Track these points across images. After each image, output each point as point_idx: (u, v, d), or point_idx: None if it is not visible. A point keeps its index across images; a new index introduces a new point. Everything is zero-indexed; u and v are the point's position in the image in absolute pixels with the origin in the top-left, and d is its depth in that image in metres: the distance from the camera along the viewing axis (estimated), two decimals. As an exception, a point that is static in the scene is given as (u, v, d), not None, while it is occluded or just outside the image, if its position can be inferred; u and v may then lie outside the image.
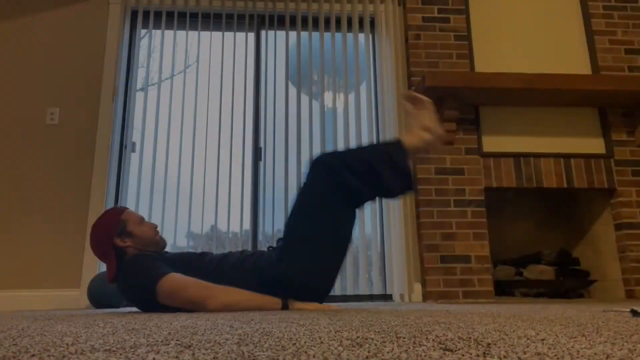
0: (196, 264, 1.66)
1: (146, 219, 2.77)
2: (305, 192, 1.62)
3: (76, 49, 2.99)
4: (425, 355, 0.46)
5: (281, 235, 1.70)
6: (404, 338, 0.60)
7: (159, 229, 1.74)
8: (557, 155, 2.87)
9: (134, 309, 2.01)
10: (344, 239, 1.63)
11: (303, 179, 1.65)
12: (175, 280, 1.49)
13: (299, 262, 1.58)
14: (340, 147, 2.97)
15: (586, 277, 2.94)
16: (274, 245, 1.78)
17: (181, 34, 3.14)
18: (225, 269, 1.64)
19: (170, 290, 1.48)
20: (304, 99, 3.06)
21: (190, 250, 1.80)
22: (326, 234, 1.59)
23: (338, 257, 1.63)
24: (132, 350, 0.52)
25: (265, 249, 1.76)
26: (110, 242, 1.61)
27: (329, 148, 2.97)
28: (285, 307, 1.55)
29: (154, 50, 3.09)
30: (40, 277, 2.65)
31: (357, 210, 1.64)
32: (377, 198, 1.63)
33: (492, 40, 3.07)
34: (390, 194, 1.60)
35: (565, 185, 2.83)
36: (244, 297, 1.51)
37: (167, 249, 1.95)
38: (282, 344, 0.56)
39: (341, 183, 1.56)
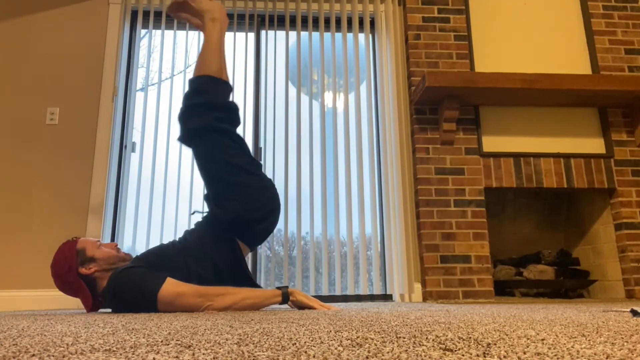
0: (167, 257, 1.66)
1: (146, 219, 2.77)
2: (200, 157, 1.78)
3: (76, 49, 2.99)
4: (425, 355, 0.46)
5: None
6: (404, 338, 0.60)
7: (119, 245, 1.73)
8: (557, 155, 2.87)
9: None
10: (245, 148, 1.80)
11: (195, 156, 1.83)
12: (171, 290, 1.48)
13: (231, 196, 1.70)
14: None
15: (586, 277, 2.94)
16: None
17: (181, 34, 3.14)
18: (190, 249, 1.69)
19: (169, 301, 1.48)
20: (304, 99, 3.06)
21: (157, 245, 1.80)
22: (226, 162, 1.74)
23: (255, 165, 1.79)
24: (132, 350, 0.52)
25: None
26: (75, 274, 1.58)
27: (329, 148, 2.98)
28: (285, 298, 1.54)
29: (154, 50, 3.09)
30: (40, 277, 2.65)
31: (236, 133, 1.83)
32: (231, 109, 1.85)
33: (492, 40, 3.07)
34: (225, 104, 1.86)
35: (565, 185, 2.83)
36: (241, 296, 1.51)
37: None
38: (282, 344, 0.56)
39: (207, 126, 1.76)
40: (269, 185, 1.78)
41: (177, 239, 1.78)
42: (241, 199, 1.69)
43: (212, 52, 1.87)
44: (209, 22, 1.94)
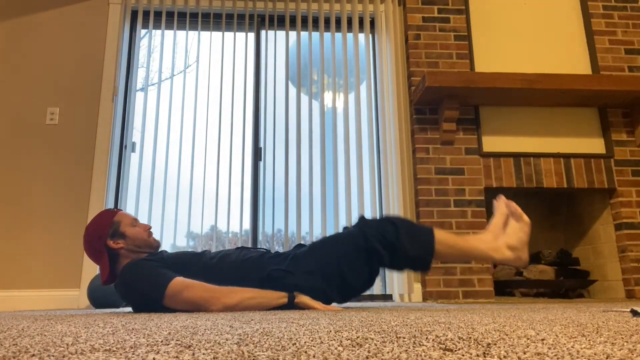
0: (195, 263, 1.65)
1: (146, 219, 2.77)
2: (341, 237, 1.69)
3: (76, 49, 2.99)
4: (425, 355, 0.46)
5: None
6: (404, 338, 0.60)
7: (152, 230, 1.73)
8: (557, 155, 2.87)
9: (134, 309, 2.00)
10: (354, 288, 1.68)
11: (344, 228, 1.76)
12: (178, 284, 1.49)
13: (308, 283, 1.62)
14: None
15: (586, 277, 2.94)
16: (275, 247, 1.80)
17: (181, 34, 3.14)
18: (225, 268, 1.64)
19: (174, 295, 1.48)
20: (304, 99, 3.06)
21: (190, 250, 1.81)
22: (340, 278, 1.64)
23: (345, 293, 1.69)
24: (132, 350, 0.52)
25: (264, 250, 1.77)
26: (103, 244, 1.60)
27: (329, 148, 2.98)
28: (291, 301, 1.54)
29: (154, 50, 3.09)
30: (40, 277, 2.65)
31: (374, 276, 1.70)
32: (392, 267, 1.69)
33: (492, 40, 3.07)
34: (402, 268, 1.69)
35: (565, 185, 2.83)
36: (248, 295, 1.50)
37: (167, 248, 1.94)
38: (282, 344, 0.56)
39: (370, 248, 1.63)
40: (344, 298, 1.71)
41: (212, 252, 1.74)
42: (316, 292, 1.61)
43: (462, 251, 1.68)
44: (498, 251, 1.68)
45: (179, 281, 1.50)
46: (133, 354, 0.49)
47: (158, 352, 0.49)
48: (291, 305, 1.56)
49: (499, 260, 1.70)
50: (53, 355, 0.48)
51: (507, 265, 1.75)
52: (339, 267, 1.64)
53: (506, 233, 1.73)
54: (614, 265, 2.82)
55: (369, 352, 0.48)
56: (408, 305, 2.02)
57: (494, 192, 3.11)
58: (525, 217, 1.74)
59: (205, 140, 2.95)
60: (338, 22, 3.20)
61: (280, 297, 1.53)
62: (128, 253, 1.63)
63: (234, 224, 2.85)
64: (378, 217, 1.72)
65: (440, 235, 1.67)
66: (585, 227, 3.07)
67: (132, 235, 1.64)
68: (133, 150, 2.95)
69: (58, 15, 3.04)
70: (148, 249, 1.67)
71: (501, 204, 1.80)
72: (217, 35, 3.14)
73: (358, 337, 0.62)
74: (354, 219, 2.87)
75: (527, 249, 1.71)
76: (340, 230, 1.78)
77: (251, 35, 3.16)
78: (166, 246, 2.75)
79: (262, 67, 3.11)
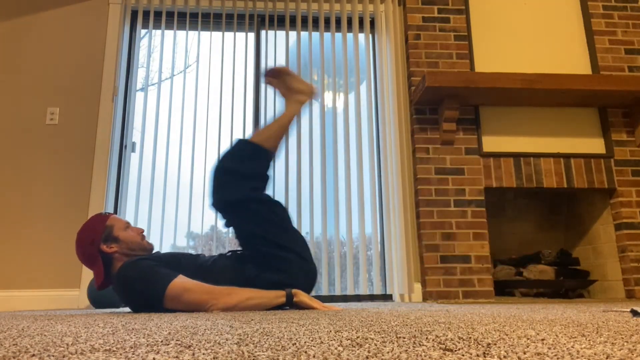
0: (190, 264, 1.66)
1: (146, 219, 2.77)
2: (242, 221, 1.76)
3: (76, 48, 2.99)
4: (425, 355, 0.46)
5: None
6: (404, 338, 0.60)
7: (145, 233, 1.73)
8: (557, 155, 2.87)
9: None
10: (283, 222, 1.78)
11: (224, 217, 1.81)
12: (179, 285, 1.49)
13: (268, 267, 1.68)
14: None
15: (586, 277, 2.94)
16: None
17: (181, 34, 3.14)
18: (216, 271, 1.66)
19: (175, 295, 1.48)
20: (304, 99, 3.06)
21: (188, 252, 1.82)
22: (267, 229, 1.73)
23: (293, 240, 1.75)
24: (132, 350, 0.52)
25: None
26: (96, 248, 1.60)
27: (329, 148, 2.98)
28: (289, 299, 1.54)
29: (154, 50, 3.09)
30: (40, 277, 2.65)
31: (271, 198, 1.83)
32: (266, 179, 1.88)
33: (492, 40, 3.07)
34: (266, 170, 1.87)
35: (565, 185, 2.83)
36: (247, 295, 1.51)
37: (167, 248, 1.94)
38: (282, 344, 0.56)
39: (244, 199, 1.74)
40: (306, 260, 1.73)
41: (207, 256, 1.77)
42: (279, 273, 1.67)
43: (277, 129, 1.88)
44: (295, 102, 1.96)
45: (178, 283, 1.50)
46: (133, 354, 0.49)
47: (158, 352, 0.49)
48: (290, 304, 1.56)
49: (301, 105, 1.96)
50: (53, 355, 0.48)
51: (307, 104, 2.00)
52: (274, 231, 1.72)
53: (290, 89, 1.97)
54: (614, 265, 2.82)
55: (369, 352, 0.48)
56: (408, 305, 2.02)
57: (494, 192, 3.11)
58: (281, 66, 1.98)
59: (205, 140, 2.95)
60: (338, 22, 3.20)
61: (279, 296, 1.53)
62: (122, 257, 1.62)
63: (234, 224, 2.84)
64: (210, 180, 1.79)
65: (256, 139, 1.85)
66: (585, 227, 3.07)
67: (125, 238, 1.64)
68: (133, 150, 2.95)
69: (58, 15, 3.04)
70: (142, 252, 1.67)
71: (272, 82, 2.01)
72: (217, 35, 3.14)
73: (358, 337, 0.62)
74: (354, 219, 2.87)
75: (302, 81, 1.99)
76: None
77: (251, 35, 3.16)
78: (166, 246, 2.75)
79: (262, 67, 3.10)
